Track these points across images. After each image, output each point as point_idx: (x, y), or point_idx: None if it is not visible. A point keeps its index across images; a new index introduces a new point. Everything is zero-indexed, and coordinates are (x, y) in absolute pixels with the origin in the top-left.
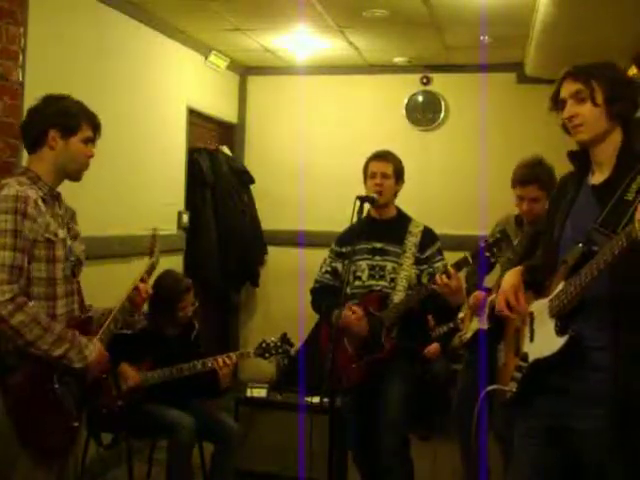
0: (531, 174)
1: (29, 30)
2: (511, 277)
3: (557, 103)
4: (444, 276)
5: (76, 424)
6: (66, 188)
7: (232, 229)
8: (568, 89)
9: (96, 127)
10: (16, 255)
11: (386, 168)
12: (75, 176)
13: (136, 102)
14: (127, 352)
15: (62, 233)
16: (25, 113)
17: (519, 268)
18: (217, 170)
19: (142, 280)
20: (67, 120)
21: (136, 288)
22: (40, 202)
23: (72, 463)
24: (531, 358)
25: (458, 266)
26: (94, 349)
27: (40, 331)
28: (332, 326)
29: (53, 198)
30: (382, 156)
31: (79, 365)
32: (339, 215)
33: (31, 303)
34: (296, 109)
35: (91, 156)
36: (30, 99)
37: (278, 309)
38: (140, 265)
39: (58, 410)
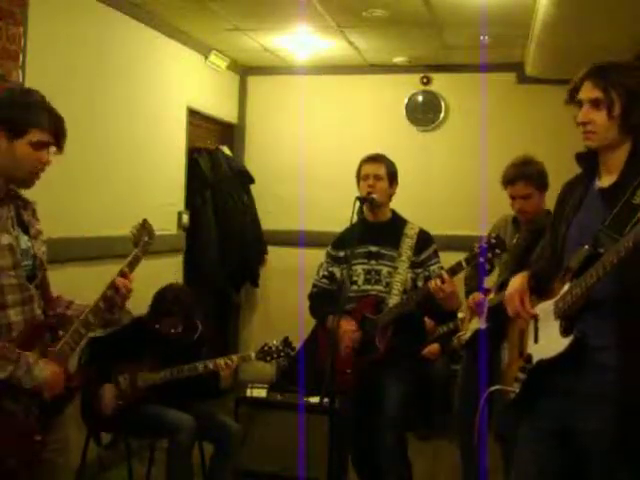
0: (517, 172)
1: (29, 30)
2: (517, 282)
3: (574, 98)
4: (438, 280)
5: (38, 438)
6: (65, 188)
7: (232, 229)
8: (587, 93)
9: (55, 130)
10: None
11: (378, 170)
12: (21, 184)
13: (136, 102)
14: (128, 352)
15: (7, 239)
16: None
17: (525, 273)
18: (217, 170)
19: (123, 274)
20: (13, 120)
21: (113, 285)
22: None
23: (49, 474)
24: (535, 359)
25: (453, 271)
26: (45, 367)
27: None
28: (329, 331)
29: (0, 201)
30: (374, 158)
31: (29, 385)
32: (339, 215)
33: None
34: (296, 109)
35: (44, 162)
36: None
37: (278, 309)
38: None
39: (9, 427)
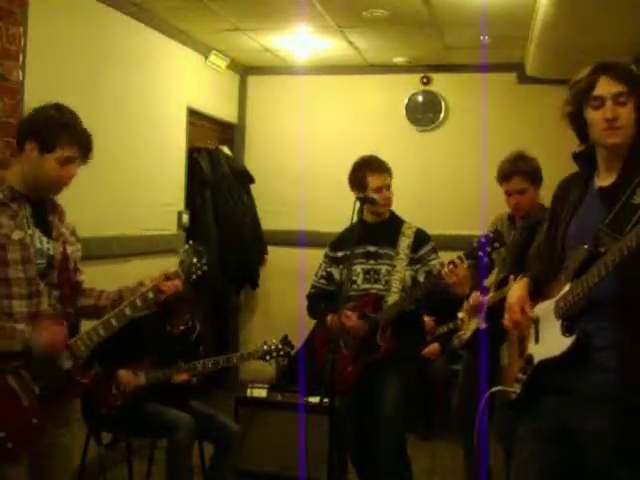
0: (512, 168)
1: (29, 30)
2: (517, 290)
3: (587, 96)
4: (451, 265)
5: (35, 421)
6: (65, 188)
7: (232, 229)
8: (609, 88)
9: (83, 147)
10: None
11: (389, 180)
12: (47, 193)
13: (136, 102)
14: (128, 351)
15: (18, 234)
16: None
17: (525, 280)
18: (217, 170)
19: (167, 278)
20: (46, 135)
21: (157, 288)
22: None
23: (48, 463)
24: (536, 359)
25: (465, 257)
26: (41, 334)
27: None
28: (328, 330)
29: (16, 200)
30: (382, 168)
31: (19, 346)
32: (339, 215)
33: None
34: (296, 109)
35: (69, 177)
36: (30, 99)
37: (278, 309)
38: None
39: (11, 401)
